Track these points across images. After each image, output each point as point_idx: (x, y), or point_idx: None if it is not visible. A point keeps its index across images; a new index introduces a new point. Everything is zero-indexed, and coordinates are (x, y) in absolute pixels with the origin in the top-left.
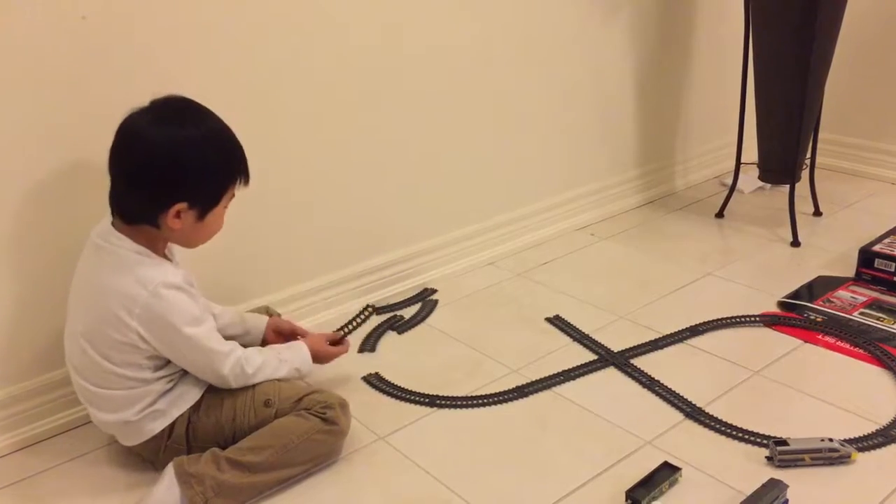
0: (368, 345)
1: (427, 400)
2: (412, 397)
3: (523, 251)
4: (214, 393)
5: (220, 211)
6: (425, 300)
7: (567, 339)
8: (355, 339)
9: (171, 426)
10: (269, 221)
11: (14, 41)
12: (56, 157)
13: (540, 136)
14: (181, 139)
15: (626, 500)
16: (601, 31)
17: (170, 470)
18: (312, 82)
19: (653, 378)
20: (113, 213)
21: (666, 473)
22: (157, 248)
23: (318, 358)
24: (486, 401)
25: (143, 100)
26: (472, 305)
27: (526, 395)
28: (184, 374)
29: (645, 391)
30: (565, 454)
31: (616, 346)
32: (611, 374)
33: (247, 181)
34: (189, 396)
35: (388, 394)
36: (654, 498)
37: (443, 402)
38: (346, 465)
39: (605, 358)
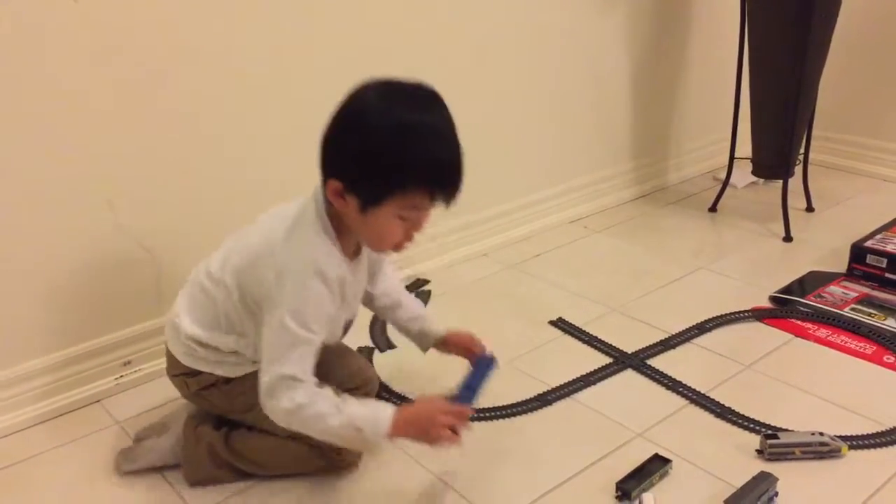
0: (384, 343)
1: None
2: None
3: (516, 243)
4: (240, 381)
5: (386, 214)
6: (418, 291)
7: (558, 332)
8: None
9: (199, 372)
10: (259, 208)
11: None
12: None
13: (534, 129)
14: (372, 115)
15: (617, 492)
16: (596, 24)
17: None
18: (304, 76)
19: (658, 371)
20: None
21: (656, 465)
22: (341, 225)
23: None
24: (501, 413)
25: None
26: (465, 297)
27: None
28: (243, 357)
29: (636, 383)
30: (556, 446)
31: (610, 339)
32: (605, 367)
33: (446, 200)
34: (224, 369)
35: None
36: (645, 490)
37: None
38: None
39: (605, 352)
